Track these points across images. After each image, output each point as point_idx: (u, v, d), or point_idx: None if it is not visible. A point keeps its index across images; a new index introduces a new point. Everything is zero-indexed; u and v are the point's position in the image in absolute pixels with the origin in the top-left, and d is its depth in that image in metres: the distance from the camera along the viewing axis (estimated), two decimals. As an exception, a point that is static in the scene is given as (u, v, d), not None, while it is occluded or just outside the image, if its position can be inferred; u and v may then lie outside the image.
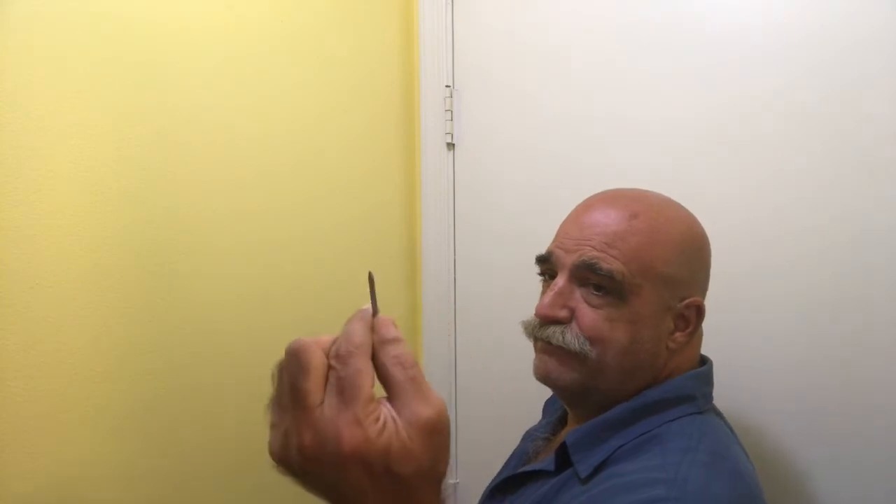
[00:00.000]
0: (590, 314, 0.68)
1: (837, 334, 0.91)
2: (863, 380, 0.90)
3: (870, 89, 0.87)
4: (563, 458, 0.68)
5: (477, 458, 1.14)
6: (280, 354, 1.06)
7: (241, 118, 0.96)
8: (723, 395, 0.96)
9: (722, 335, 0.97)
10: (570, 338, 0.68)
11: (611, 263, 0.67)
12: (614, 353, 0.68)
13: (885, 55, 0.86)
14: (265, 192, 1.00)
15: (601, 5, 1.08)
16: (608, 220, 0.70)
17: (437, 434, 0.37)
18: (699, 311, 0.71)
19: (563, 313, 0.69)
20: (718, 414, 0.75)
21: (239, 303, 0.96)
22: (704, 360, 0.76)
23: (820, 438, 0.93)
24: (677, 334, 0.70)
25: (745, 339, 0.96)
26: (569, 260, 0.69)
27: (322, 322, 1.11)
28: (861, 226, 0.89)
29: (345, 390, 0.36)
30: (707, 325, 0.96)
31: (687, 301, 0.70)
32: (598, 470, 0.65)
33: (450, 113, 1.24)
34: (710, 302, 0.97)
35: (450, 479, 1.23)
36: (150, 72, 0.83)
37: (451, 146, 1.25)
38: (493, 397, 1.17)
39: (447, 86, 1.24)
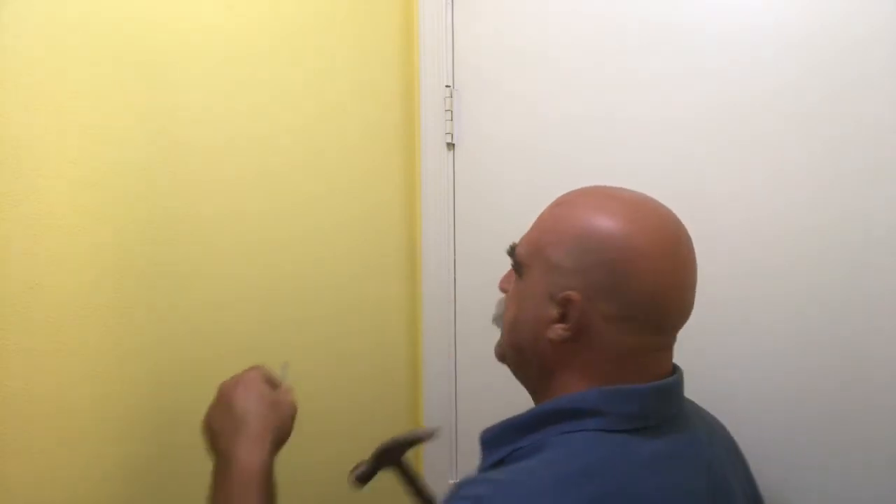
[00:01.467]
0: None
1: (838, 334, 0.91)
2: (863, 381, 0.90)
3: (871, 89, 0.87)
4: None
5: (477, 457, 1.14)
6: (279, 354, 1.05)
7: (241, 118, 0.96)
8: (722, 397, 0.96)
9: (722, 335, 0.98)
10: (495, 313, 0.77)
11: (518, 245, 0.74)
12: (506, 328, 0.74)
13: (886, 55, 0.86)
14: (265, 192, 1.00)
15: (602, 5, 1.08)
16: (547, 209, 0.74)
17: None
18: (572, 306, 0.65)
19: (505, 288, 0.76)
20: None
21: (239, 302, 0.96)
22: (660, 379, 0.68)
23: (819, 438, 0.93)
24: (558, 326, 0.66)
25: (744, 338, 0.96)
26: None
27: (322, 322, 1.11)
28: (862, 226, 0.89)
29: None
30: (707, 324, 0.96)
31: (564, 293, 0.66)
32: (494, 467, 0.66)
33: (450, 113, 1.24)
34: (710, 301, 0.97)
35: (450, 480, 1.23)
36: (150, 72, 0.83)
37: (451, 146, 1.25)
38: (494, 396, 1.17)
39: (447, 86, 1.24)
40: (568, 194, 0.73)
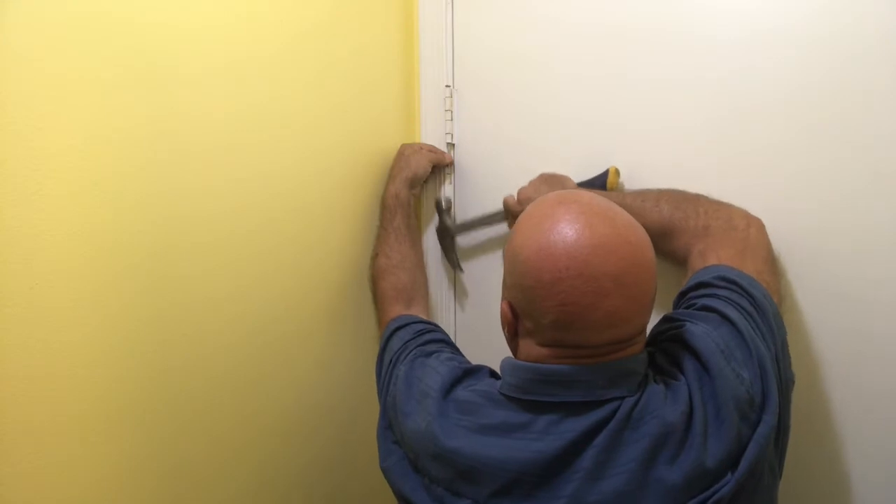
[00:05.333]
0: None
1: (838, 334, 0.91)
2: (863, 381, 0.90)
3: (877, 94, 0.87)
4: None
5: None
6: (281, 356, 1.05)
7: (241, 119, 0.95)
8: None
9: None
10: None
11: None
12: None
13: (893, 60, 0.86)
14: (266, 193, 1.00)
15: (603, 5, 1.08)
16: None
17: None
18: (504, 316, 0.78)
19: None
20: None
21: (240, 303, 0.96)
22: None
23: (817, 437, 0.93)
24: (505, 325, 0.79)
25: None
26: None
27: (324, 322, 1.11)
28: (865, 231, 0.89)
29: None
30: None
31: (503, 302, 0.78)
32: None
33: (450, 113, 1.24)
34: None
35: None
36: (150, 72, 0.83)
37: (451, 146, 1.25)
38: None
39: (447, 86, 1.24)
40: (535, 203, 0.79)
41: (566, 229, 0.70)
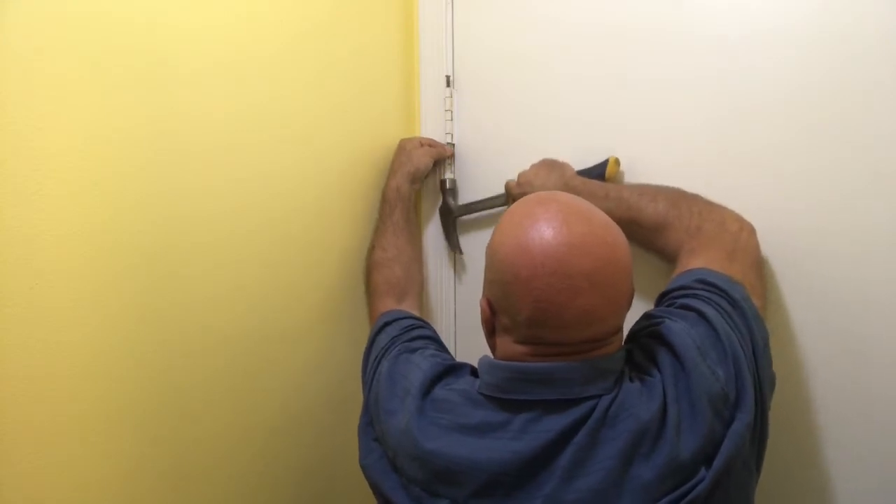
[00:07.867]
0: None
1: (838, 334, 0.91)
2: (863, 383, 0.90)
3: (878, 94, 0.87)
4: None
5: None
6: (280, 354, 1.06)
7: (241, 119, 0.95)
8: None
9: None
10: None
11: None
12: None
13: (893, 60, 0.86)
14: (266, 193, 1.00)
15: (603, 5, 1.08)
16: None
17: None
18: (483, 312, 0.79)
19: None
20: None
21: (240, 304, 0.96)
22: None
23: (816, 440, 0.93)
24: (483, 322, 0.80)
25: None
26: None
27: (322, 321, 1.11)
28: (866, 232, 0.88)
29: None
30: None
31: (482, 299, 0.79)
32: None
33: (450, 113, 1.24)
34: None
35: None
36: (151, 72, 0.83)
37: (451, 146, 1.25)
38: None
39: (447, 85, 1.24)
40: (517, 202, 0.80)
41: (544, 227, 0.71)
